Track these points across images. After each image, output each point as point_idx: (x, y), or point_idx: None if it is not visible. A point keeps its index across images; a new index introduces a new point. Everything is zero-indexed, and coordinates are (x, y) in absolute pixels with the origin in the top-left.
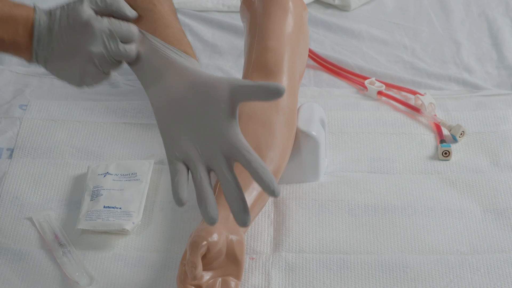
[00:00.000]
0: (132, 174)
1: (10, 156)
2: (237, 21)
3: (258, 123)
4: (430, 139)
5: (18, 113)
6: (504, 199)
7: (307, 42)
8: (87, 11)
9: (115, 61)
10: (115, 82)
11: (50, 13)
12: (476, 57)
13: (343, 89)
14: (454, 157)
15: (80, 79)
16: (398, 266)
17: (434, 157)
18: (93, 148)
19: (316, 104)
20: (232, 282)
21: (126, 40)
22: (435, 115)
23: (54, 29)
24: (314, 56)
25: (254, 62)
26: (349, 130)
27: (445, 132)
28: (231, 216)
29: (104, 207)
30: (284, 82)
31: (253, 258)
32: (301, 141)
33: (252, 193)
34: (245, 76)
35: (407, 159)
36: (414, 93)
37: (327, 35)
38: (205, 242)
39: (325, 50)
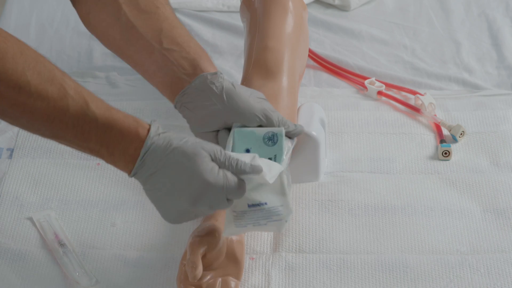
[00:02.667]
0: None
1: (10, 156)
2: (237, 21)
3: None
4: (430, 139)
5: None
6: (504, 199)
7: (307, 42)
8: (210, 166)
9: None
10: (115, 82)
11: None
12: (476, 57)
13: (343, 89)
14: (454, 157)
15: (175, 216)
16: (398, 266)
17: (434, 157)
18: None
19: (316, 104)
20: (232, 282)
21: (232, 196)
22: (435, 115)
23: (167, 150)
24: (314, 56)
25: (254, 62)
26: (349, 130)
27: (445, 132)
28: None
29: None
30: (284, 82)
31: (253, 258)
32: (301, 141)
33: None
34: (245, 76)
35: (407, 159)
36: (414, 93)
37: (327, 35)
38: (205, 242)
39: (325, 50)
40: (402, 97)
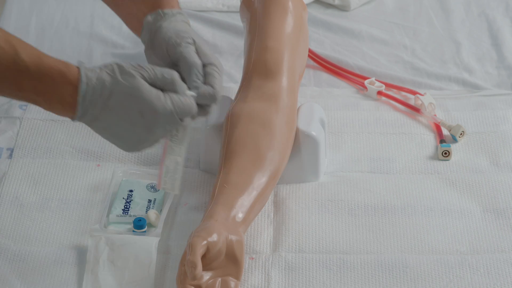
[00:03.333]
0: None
1: (10, 156)
2: (237, 21)
3: (258, 123)
4: (430, 139)
5: (18, 113)
6: (504, 199)
7: (307, 42)
8: (144, 86)
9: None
10: None
11: (97, 73)
12: (476, 57)
13: (343, 89)
14: (454, 157)
15: (134, 146)
16: (398, 266)
17: (434, 157)
18: (93, 148)
19: (316, 104)
20: (232, 282)
21: (184, 116)
22: (435, 115)
23: (105, 93)
24: (314, 56)
25: (254, 62)
26: (349, 130)
27: (445, 132)
28: (230, 216)
29: None
30: (284, 82)
31: (252, 258)
32: (301, 141)
33: (252, 193)
34: (245, 76)
35: (407, 159)
36: (414, 93)
37: (327, 35)
38: (204, 242)
39: (325, 50)
40: (402, 97)
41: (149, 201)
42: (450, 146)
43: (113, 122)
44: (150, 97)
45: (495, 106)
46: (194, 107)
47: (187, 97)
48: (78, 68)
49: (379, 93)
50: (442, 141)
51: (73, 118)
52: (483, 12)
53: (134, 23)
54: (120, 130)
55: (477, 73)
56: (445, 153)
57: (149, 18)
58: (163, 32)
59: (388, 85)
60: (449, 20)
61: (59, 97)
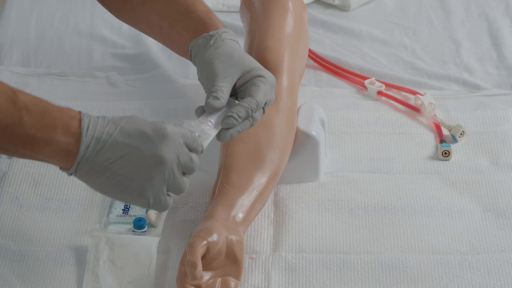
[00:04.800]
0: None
1: (10, 156)
2: (237, 21)
3: (258, 123)
4: (430, 139)
5: None
6: (504, 199)
7: (307, 42)
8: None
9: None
10: (114, 82)
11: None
12: (476, 57)
13: (343, 89)
14: (454, 157)
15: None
16: (398, 266)
17: (434, 157)
18: None
19: (316, 104)
20: (232, 282)
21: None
22: (435, 115)
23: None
24: (314, 56)
25: None
26: (349, 130)
27: (445, 132)
28: (231, 216)
29: None
30: (284, 82)
31: (252, 258)
32: (301, 141)
33: (252, 193)
34: None
35: (407, 159)
36: (414, 93)
37: (327, 35)
38: (204, 242)
39: (325, 50)
40: (402, 97)
41: None
42: (450, 146)
43: (115, 166)
44: (150, 124)
45: (495, 106)
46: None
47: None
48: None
49: (379, 93)
50: (442, 141)
51: (68, 171)
52: (483, 12)
53: (177, 49)
54: (124, 170)
55: (477, 73)
56: (445, 153)
57: (198, 42)
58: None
59: (388, 85)
60: (449, 20)
61: (59, 149)
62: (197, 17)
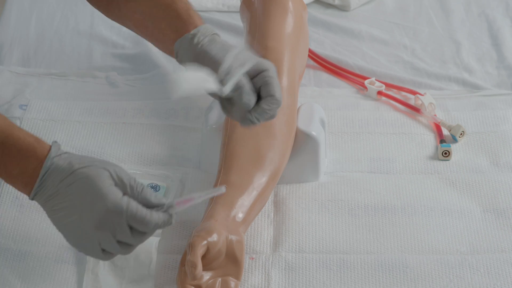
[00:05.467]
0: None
1: None
2: (237, 21)
3: None
4: (430, 139)
5: (18, 113)
6: (504, 199)
7: (307, 42)
8: (111, 193)
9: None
10: (115, 82)
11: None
12: (476, 57)
13: (343, 89)
14: (454, 157)
15: (76, 243)
16: (398, 266)
17: (434, 157)
18: (93, 148)
19: (316, 104)
20: (232, 282)
21: (134, 224)
22: (435, 115)
23: (66, 175)
24: (314, 56)
25: None
26: (349, 130)
27: (445, 132)
28: (231, 216)
29: None
30: (284, 82)
31: (252, 258)
32: (301, 141)
33: (252, 193)
34: None
35: (407, 159)
36: (414, 93)
37: (327, 35)
38: (204, 242)
39: (325, 50)
40: (402, 97)
41: None
42: (450, 146)
43: (64, 206)
44: (104, 189)
45: (495, 106)
46: (151, 225)
47: (154, 213)
48: (50, 145)
49: (379, 93)
50: (442, 141)
51: (29, 194)
52: (483, 12)
53: (163, 48)
54: (68, 218)
55: (477, 73)
56: (445, 153)
57: (182, 44)
58: (208, 58)
59: (388, 85)
60: (449, 20)
61: (22, 169)
62: (177, 15)
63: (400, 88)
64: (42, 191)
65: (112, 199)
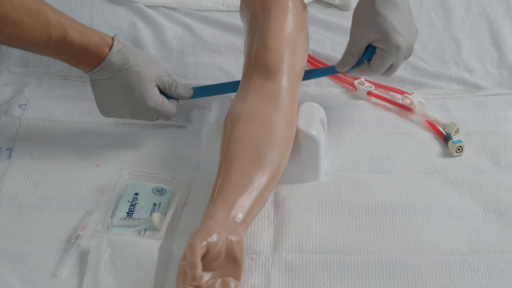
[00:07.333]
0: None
1: (9, 156)
2: (237, 20)
3: (258, 123)
4: (430, 139)
5: (17, 112)
6: (504, 199)
7: (307, 42)
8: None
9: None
10: None
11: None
12: (476, 56)
13: (344, 89)
14: (454, 157)
15: (108, 113)
16: (398, 267)
17: (434, 157)
18: (92, 148)
19: (316, 104)
20: (232, 282)
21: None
22: (426, 113)
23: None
24: None
25: (254, 62)
26: (349, 130)
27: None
28: (230, 216)
29: None
30: (284, 81)
31: (252, 258)
32: (301, 141)
33: (252, 193)
34: (245, 75)
35: (407, 159)
36: (401, 92)
37: (327, 34)
38: (204, 243)
39: (325, 50)
40: (390, 97)
41: (154, 204)
42: (462, 142)
43: (111, 89)
44: (147, 90)
45: (495, 106)
46: (173, 114)
47: (173, 105)
48: (112, 39)
49: (369, 93)
50: (445, 138)
51: (86, 72)
52: (484, 11)
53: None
54: (110, 98)
55: (477, 73)
56: (459, 149)
57: (101, 73)
58: (134, 78)
59: (377, 85)
60: (450, 20)
61: (88, 61)
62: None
63: (387, 88)
64: (97, 74)
65: (152, 100)
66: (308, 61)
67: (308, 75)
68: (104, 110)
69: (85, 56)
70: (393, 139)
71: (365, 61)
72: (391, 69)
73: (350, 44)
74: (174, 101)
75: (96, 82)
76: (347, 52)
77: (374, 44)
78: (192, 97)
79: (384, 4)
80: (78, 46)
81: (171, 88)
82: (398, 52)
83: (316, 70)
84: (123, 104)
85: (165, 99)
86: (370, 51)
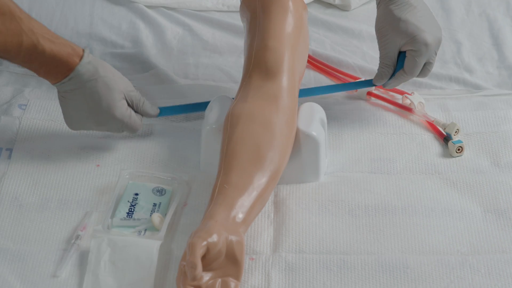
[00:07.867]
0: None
1: (9, 156)
2: (237, 21)
3: (258, 123)
4: (430, 139)
5: (18, 112)
6: (505, 199)
7: (307, 42)
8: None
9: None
10: None
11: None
12: (476, 57)
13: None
14: (454, 157)
15: (73, 127)
16: (398, 267)
17: (434, 157)
18: (92, 149)
19: (316, 104)
20: (232, 282)
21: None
22: (426, 113)
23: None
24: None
25: (254, 62)
26: (349, 130)
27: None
28: (230, 216)
29: None
30: (284, 82)
31: (253, 259)
32: (301, 141)
33: (252, 193)
34: (245, 75)
35: (407, 159)
36: (401, 93)
37: (327, 35)
38: (204, 243)
39: (325, 50)
40: (390, 97)
41: (154, 204)
42: (462, 142)
43: (77, 100)
44: (115, 101)
45: (496, 106)
46: (139, 129)
47: (139, 119)
48: (83, 50)
49: (369, 93)
50: (445, 138)
51: (54, 83)
52: (484, 11)
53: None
54: (76, 110)
55: (477, 73)
56: (458, 149)
57: (69, 83)
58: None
59: (377, 85)
60: (450, 20)
61: (57, 71)
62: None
63: (387, 88)
64: (65, 85)
65: (119, 111)
66: (308, 61)
67: (342, 87)
68: (72, 122)
69: (55, 66)
70: (393, 139)
71: (400, 70)
72: (426, 67)
73: (382, 57)
74: (139, 116)
75: (64, 93)
76: (382, 64)
77: (403, 49)
78: (159, 115)
79: (401, 9)
80: (49, 56)
81: (138, 104)
82: (428, 49)
83: (352, 83)
84: (90, 115)
85: (133, 112)
86: (401, 58)
